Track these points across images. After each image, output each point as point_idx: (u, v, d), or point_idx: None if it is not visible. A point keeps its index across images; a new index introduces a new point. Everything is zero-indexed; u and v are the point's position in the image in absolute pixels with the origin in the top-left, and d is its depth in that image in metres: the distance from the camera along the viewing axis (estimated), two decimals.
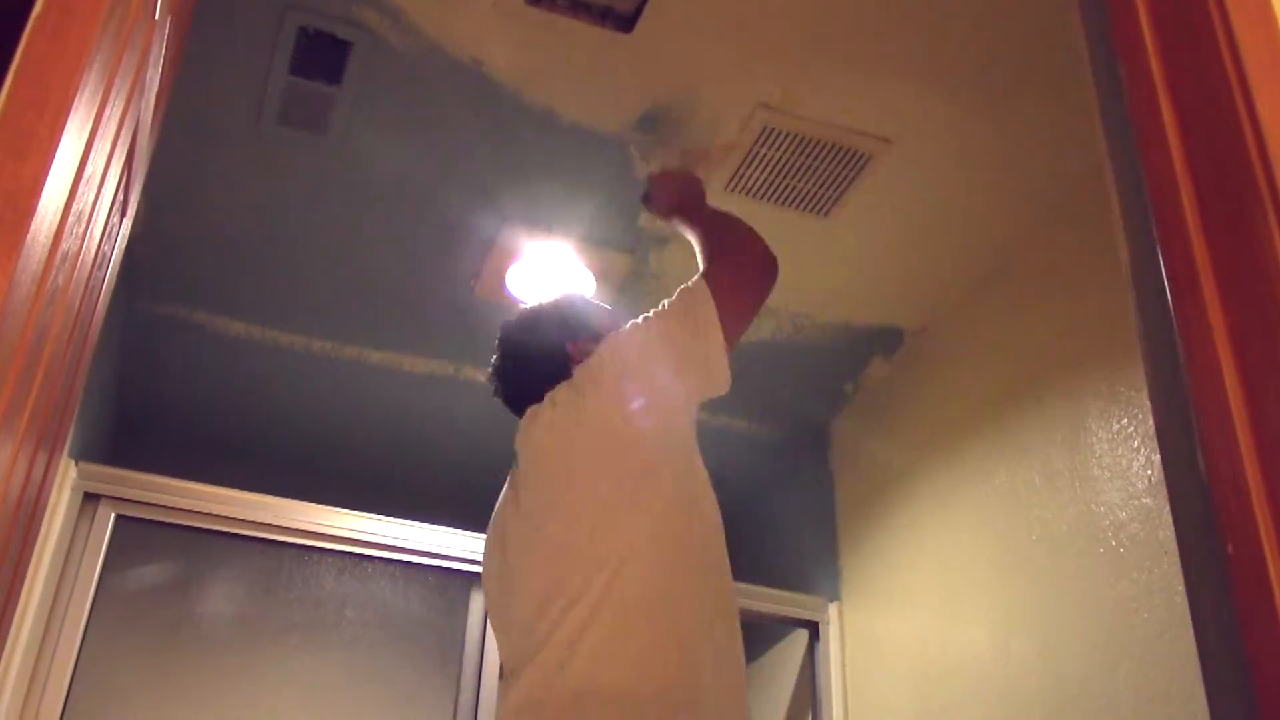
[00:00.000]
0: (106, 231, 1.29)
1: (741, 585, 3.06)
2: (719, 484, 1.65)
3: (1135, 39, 1.00)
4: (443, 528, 2.81)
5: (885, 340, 3.04)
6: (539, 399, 1.65)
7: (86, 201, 1.04)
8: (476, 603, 2.78)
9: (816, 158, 2.45)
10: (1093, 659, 2.15)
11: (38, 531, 1.42)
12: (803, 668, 3.09)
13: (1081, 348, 2.38)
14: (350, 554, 2.77)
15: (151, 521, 2.60)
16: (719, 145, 2.07)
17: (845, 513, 3.19)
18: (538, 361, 1.72)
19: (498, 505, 1.71)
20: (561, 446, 1.58)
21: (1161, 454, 0.96)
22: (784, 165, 2.47)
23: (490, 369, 1.81)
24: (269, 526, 2.70)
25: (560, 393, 1.62)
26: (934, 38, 2.17)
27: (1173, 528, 0.93)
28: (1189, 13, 0.95)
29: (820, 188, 2.53)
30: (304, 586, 2.74)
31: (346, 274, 2.87)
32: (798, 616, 3.11)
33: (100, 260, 1.30)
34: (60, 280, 1.00)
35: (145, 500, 2.59)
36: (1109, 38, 1.06)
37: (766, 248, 1.70)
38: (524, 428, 1.65)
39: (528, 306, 1.87)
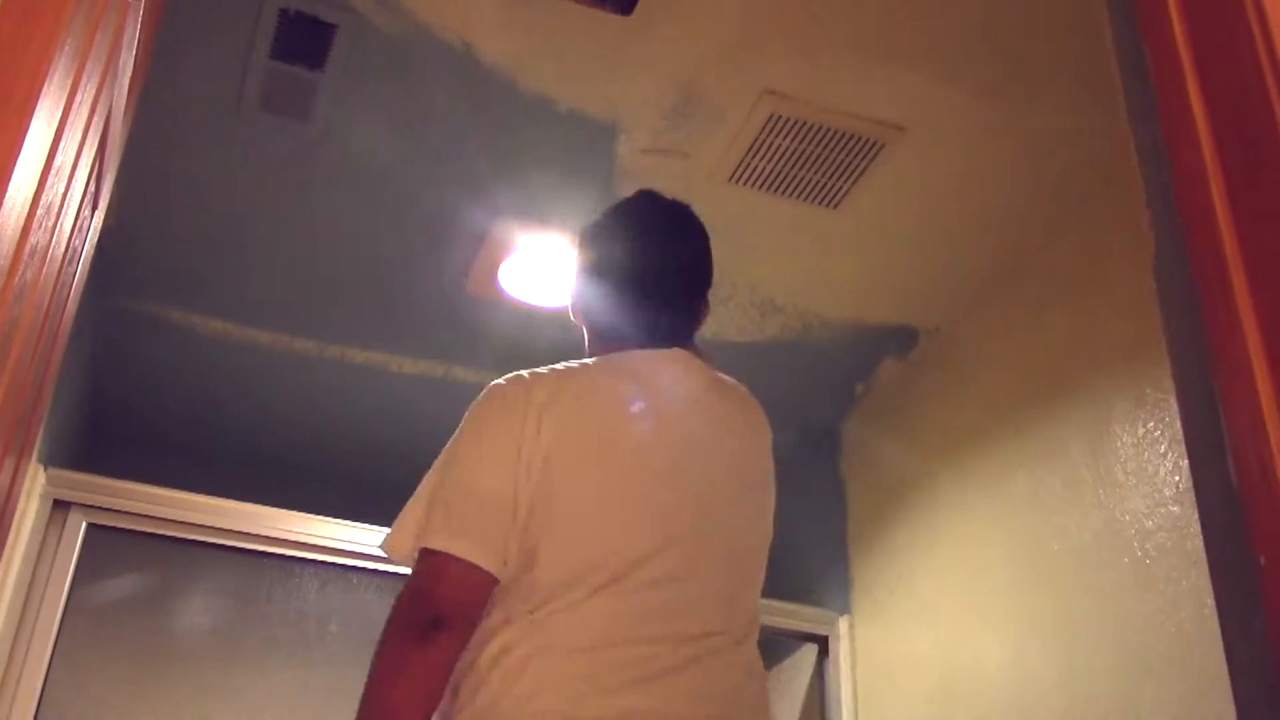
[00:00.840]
0: (77, 225, 1.29)
1: None
2: None
3: (1162, 21, 1.00)
4: None
5: (898, 339, 3.04)
6: (679, 319, 1.63)
7: (56, 193, 1.04)
8: None
9: (826, 147, 2.45)
10: (1116, 675, 2.15)
11: (5, 540, 1.42)
12: (811, 684, 3.09)
13: (1105, 347, 2.38)
14: (334, 565, 2.78)
15: (124, 530, 2.60)
16: None
17: (856, 521, 3.19)
18: (699, 274, 1.67)
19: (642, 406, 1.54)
20: (767, 485, 1.61)
21: (1190, 459, 0.96)
22: (792, 154, 2.47)
23: (661, 238, 1.66)
24: (249, 536, 2.70)
25: (761, 420, 1.64)
26: (950, 20, 2.17)
27: (1201, 537, 0.93)
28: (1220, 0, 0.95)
29: (830, 178, 2.53)
30: (286, 599, 2.74)
31: (330, 269, 2.87)
32: (806, 631, 3.11)
33: (71, 255, 1.30)
34: (29, 276, 1.00)
35: (118, 508, 2.59)
36: (1134, 20, 1.06)
37: None
38: (733, 402, 1.61)
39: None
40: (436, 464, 1.45)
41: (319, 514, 2.79)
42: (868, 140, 2.42)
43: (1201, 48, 0.97)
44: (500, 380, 1.51)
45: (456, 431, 1.47)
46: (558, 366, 1.54)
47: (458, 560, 1.32)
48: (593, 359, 1.59)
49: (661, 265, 1.63)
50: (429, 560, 1.34)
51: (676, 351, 1.60)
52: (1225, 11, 0.94)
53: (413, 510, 1.39)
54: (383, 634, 1.33)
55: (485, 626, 1.35)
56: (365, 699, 1.29)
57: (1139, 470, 2.22)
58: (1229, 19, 0.93)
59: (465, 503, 1.36)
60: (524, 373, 1.52)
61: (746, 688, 1.43)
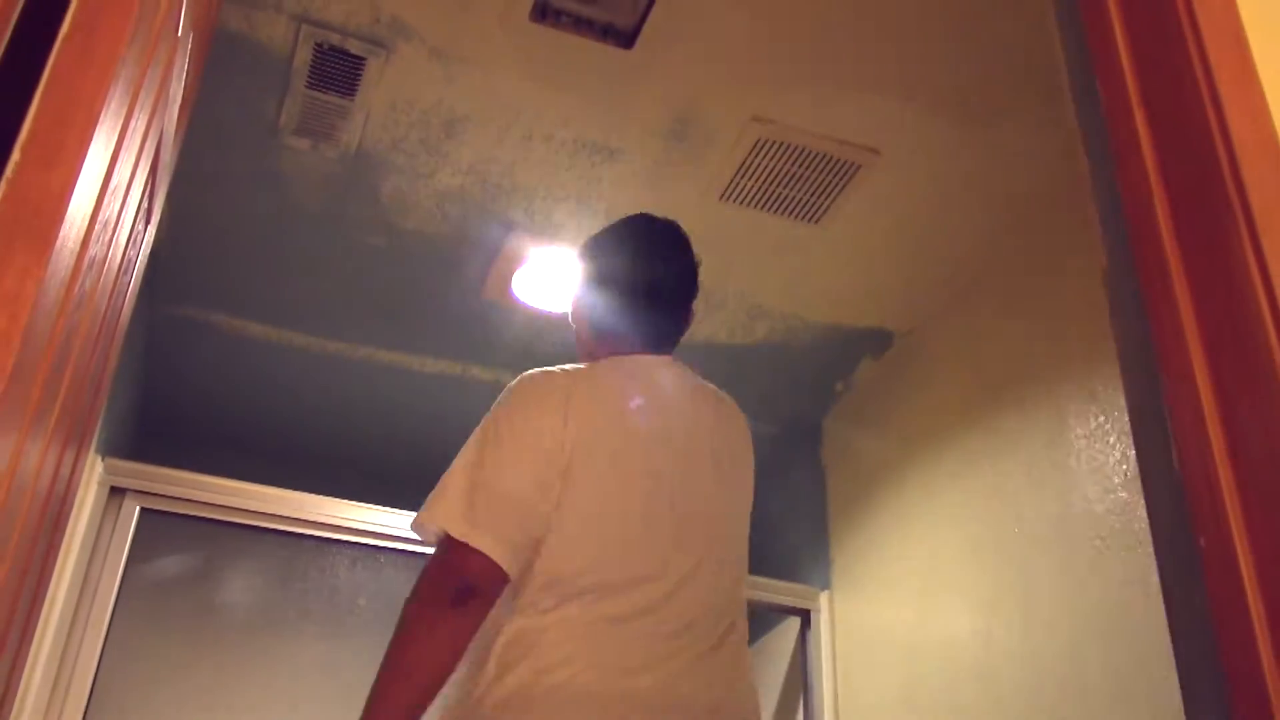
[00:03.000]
0: (131, 238, 1.29)
1: None
2: None
3: (1112, 57, 1.00)
4: None
5: (874, 341, 3.04)
6: (672, 326, 1.64)
7: (112, 210, 1.04)
8: None
9: (808, 167, 2.45)
10: (1070, 645, 2.15)
11: (66, 523, 1.42)
12: (795, 653, 3.09)
13: (1061, 349, 2.38)
14: (363, 545, 2.77)
15: (174, 514, 2.60)
16: None
17: (836, 505, 3.19)
18: (692, 285, 1.68)
19: (626, 404, 1.52)
20: (748, 481, 1.63)
21: (1137, 450, 0.96)
22: (777, 175, 2.47)
23: (660, 252, 1.66)
24: (286, 519, 2.70)
25: (741, 421, 1.64)
26: (920, 55, 2.17)
27: (1147, 520, 0.93)
28: (1164, 32, 0.95)
29: (812, 196, 2.53)
30: (319, 576, 2.74)
31: (359, 278, 2.87)
32: (790, 605, 3.11)
33: (125, 265, 1.30)
34: (87, 285, 1.00)
35: (168, 494, 2.59)
36: (1087, 57, 1.06)
37: None
38: (712, 404, 1.61)
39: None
40: (470, 448, 1.42)
41: (349, 499, 2.79)
42: (845, 162, 2.42)
43: (1147, 78, 0.97)
44: (531, 374, 1.50)
45: (491, 417, 1.45)
46: (572, 367, 1.53)
47: (482, 554, 1.33)
48: (604, 360, 1.59)
49: (661, 277, 1.64)
50: (463, 546, 1.34)
51: (668, 358, 1.61)
52: (1168, 46, 0.94)
53: (448, 497, 1.38)
54: (410, 602, 1.33)
55: (494, 616, 1.35)
56: (391, 656, 1.29)
57: (1091, 460, 2.22)
58: (1171, 52, 0.94)
59: (495, 503, 1.36)
60: (551, 370, 1.51)
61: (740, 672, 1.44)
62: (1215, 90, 0.88)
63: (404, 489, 3.32)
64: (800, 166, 2.44)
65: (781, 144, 2.38)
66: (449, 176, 2.53)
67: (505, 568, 1.32)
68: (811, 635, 3.06)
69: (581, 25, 2.15)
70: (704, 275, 2.82)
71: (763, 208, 2.57)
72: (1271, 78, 0.91)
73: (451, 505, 1.36)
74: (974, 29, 2.11)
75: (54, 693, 2.29)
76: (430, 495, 1.40)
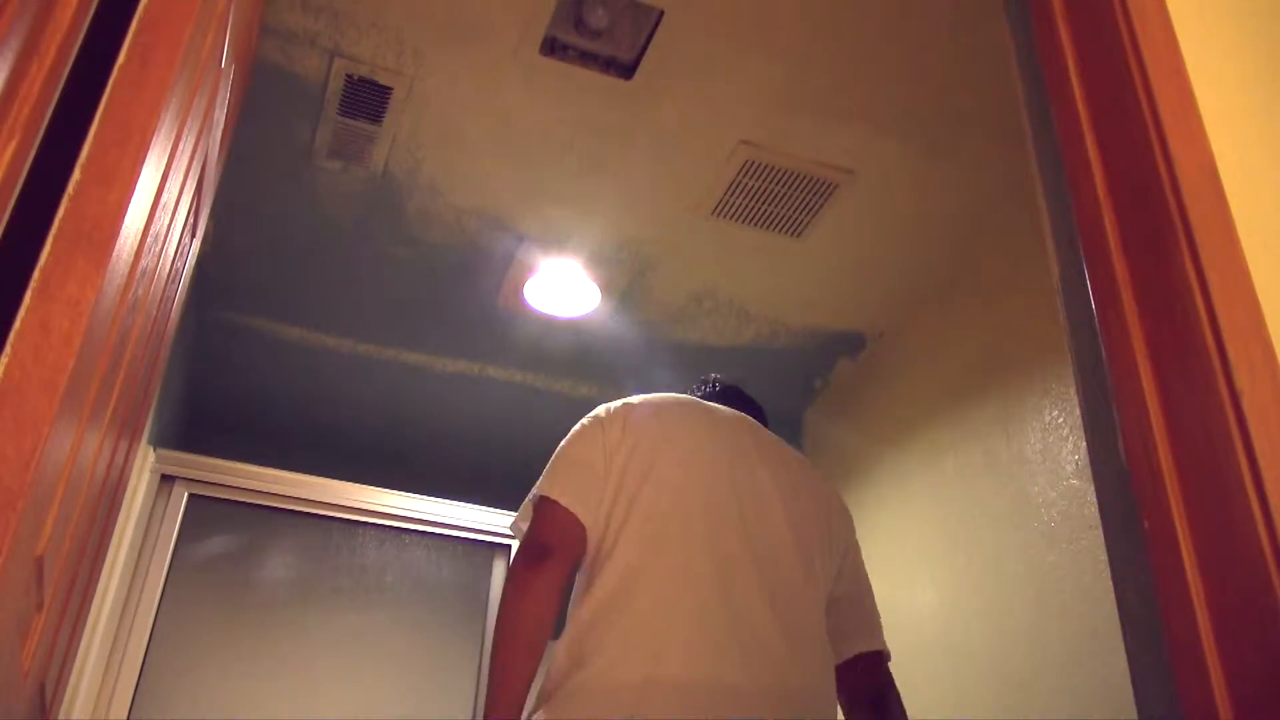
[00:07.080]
0: (180, 249, 1.29)
1: None
2: None
3: (1065, 88, 1.00)
4: (469, 505, 2.81)
5: (850, 343, 3.04)
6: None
7: (163, 224, 1.04)
8: (498, 569, 2.77)
9: (791, 187, 2.45)
10: (1029, 617, 2.15)
11: (120, 506, 1.42)
12: None
13: (1018, 350, 2.38)
14: (390, 527, 2.77)
15: (219, 499, 2.60)
16: None
17: None
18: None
19: (695, 425, 1.58)
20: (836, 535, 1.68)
21: (1087, 442, 0.96)
22: (763, 193, 2.47)
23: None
24: (320, 504, 2.70)
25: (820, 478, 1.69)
26: (890, 87, 2.17)
27: (1097, 505, 0.93)
28: (1113, 66, 0.95)
29: (794, 212, 2.53)
30: (350, 555, 2.74)
31: (386, 286, 2.87)
32: None
33: (174, 274, 1.30)
34: (140, 291, 1.00)
35: (214, 481, 2.59)
36: (1042, 88, 1.06)
37: None
38: (787, 462, 1.67)
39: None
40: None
41: (377, 485, 2.79)
42: (824, 181, 2.42)
43: (1097, 107, 0.97)
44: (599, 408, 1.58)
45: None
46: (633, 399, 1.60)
47: (559, 505, 1.38)
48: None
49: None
50: (541, 508, 1.40)
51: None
52: (1117, 79, 0.94)
53: (529, 498, 1.44)
54: (509, 567, 1.39)
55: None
56: (499, 613, 1.33)
57: (1045, 451, 2.21)
58: (1119, 84, 0.94)
59: (567, 470, 1.43)
60: (615, 403, 1.58)
61: None
62: (1158, 116, 0.88)
63: (426, 476, 3.33)
64: (784, 186, 2.44)
65: (767, 165, 2.38)
66: (467, 194, 2.53)
67: (578, 513, 1.38)
68: None
69: (586, 58, 2.15)
70: (698, 283, 2.84)
71: (750, 223, 2.56)
72: (1209, 106, 0.91)
73: (528, 502, 1.42)
74: (937, 65, 2.11)
75: (109, 662, 2.28)
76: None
